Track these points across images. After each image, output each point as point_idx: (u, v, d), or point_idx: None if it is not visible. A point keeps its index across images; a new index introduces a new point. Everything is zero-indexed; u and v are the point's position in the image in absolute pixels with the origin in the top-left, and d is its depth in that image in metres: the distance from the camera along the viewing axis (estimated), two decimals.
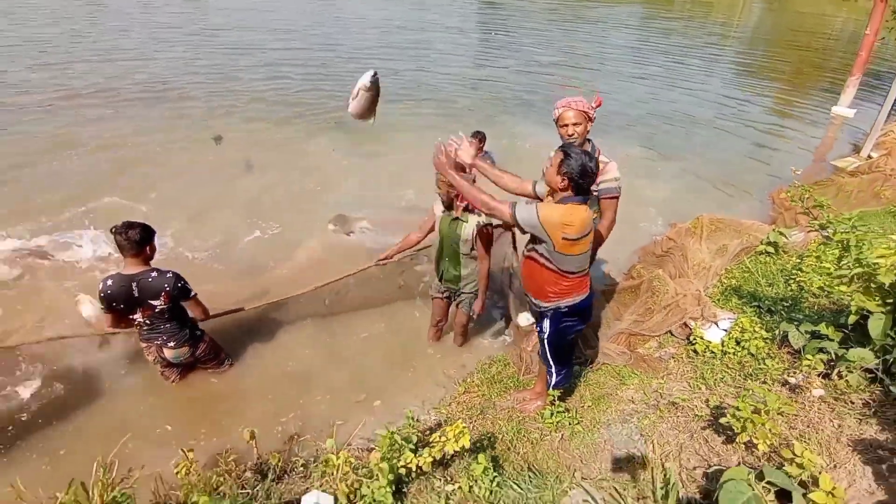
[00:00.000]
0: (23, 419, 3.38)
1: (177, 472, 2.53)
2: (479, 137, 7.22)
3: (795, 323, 3.24)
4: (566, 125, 3.05)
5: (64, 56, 11.57)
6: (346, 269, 4.15)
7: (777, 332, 3.36)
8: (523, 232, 2.63)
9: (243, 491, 2.61)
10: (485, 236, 3.42)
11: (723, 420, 2.48)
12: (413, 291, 4.59)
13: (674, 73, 14.48)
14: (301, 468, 2.82)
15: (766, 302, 3.99)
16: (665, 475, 2.37)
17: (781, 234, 4.75)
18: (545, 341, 2.91)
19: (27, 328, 4.02)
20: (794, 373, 2.93)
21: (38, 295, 4.52)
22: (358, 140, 8.25)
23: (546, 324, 2.83)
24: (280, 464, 2.82)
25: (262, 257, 5.32)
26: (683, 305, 3.95)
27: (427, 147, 8.04)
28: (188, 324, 3.51)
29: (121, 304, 3.19)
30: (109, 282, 3.17)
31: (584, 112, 3.02)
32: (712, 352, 3.51)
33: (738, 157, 8.90)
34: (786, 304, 3.96)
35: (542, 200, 2.74)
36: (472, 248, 3.46)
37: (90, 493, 2.26)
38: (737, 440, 2.36)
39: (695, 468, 2.51)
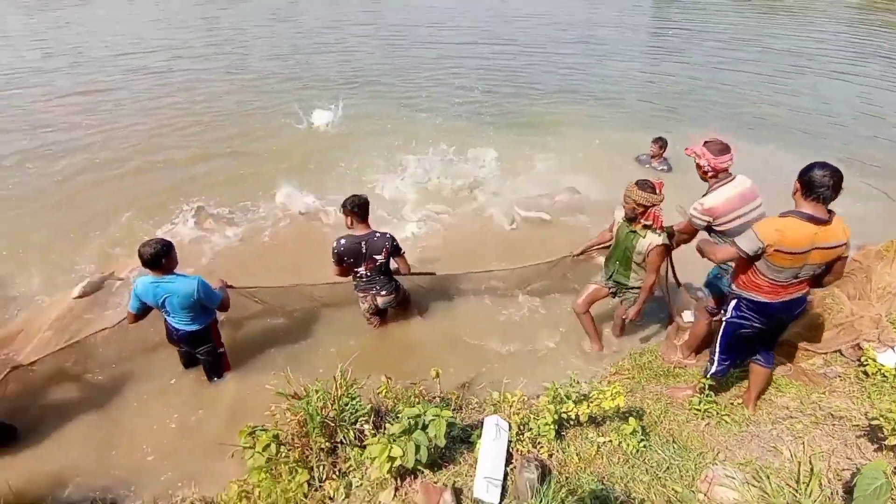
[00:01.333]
0: (296, 336, 4.64)
1: (378, 393, 3.36)
2: (660, 144, 7.21)
3: None
4: None
5: (288, 49, 14.12)
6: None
7: None
8: (751, 259, 2.75)
9: None
10: (656, 253, 3.68)
11: (874, 422, 2.58)
12: (573, 284, 5.00)
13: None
14: (475, 404, 3.50)
15: None
16: (811, 468, 2.57)
17: None
18: (723, 324, 3.11)
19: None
20: None
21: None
22: (525, 133, 8.82)
23: (731, 306, 3.04)
24: (458, 400, 3.53)
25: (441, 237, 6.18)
26: (859, 326, 3.84)
27: (595, 141, 8.31)
28: (392, 276, 4.38)
29: (351, 259, 4.12)
30: (343, 241, 4.10)
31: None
32: (884, 375, 3.42)
33: None
34: None
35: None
36: (644, 260, 3.78)
37: (335, 386, 3.17)
38: (886, 443, 2.45)
39: (843, 469, 2.65)
